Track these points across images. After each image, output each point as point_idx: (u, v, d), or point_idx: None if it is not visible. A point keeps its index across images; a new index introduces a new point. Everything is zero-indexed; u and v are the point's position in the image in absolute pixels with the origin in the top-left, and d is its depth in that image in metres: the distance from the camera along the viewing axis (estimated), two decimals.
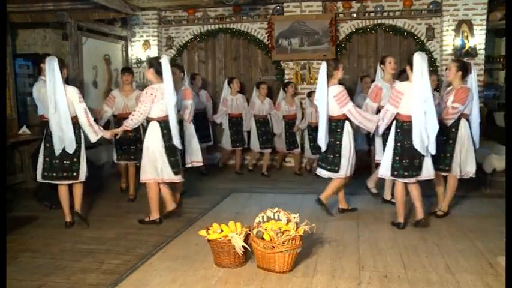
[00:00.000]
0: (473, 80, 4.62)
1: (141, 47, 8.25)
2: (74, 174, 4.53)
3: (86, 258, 3.75)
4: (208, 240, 3.52)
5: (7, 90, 6.21)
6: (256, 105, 7.30)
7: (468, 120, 4.62)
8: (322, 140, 4.67)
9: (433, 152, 4.20)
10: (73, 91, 4.46)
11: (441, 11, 7.35)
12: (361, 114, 4.62)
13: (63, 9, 6.31)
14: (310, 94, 7.12)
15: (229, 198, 5.79)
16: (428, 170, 4.31)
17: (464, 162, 4.66)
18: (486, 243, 3.93)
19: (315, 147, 6.79)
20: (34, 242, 4.20)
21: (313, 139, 6.92)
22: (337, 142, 4.66)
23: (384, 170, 4.41)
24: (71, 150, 4.43)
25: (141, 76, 8.27)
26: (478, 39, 7.19)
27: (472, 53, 7.18)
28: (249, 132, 7.50)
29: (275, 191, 6.28)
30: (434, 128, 4.09)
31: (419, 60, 4.07)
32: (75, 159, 4.51)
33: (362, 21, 7.73)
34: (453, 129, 4.57)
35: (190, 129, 5.37)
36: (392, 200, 4.98)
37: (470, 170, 4.72)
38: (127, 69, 6.25)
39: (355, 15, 7.72)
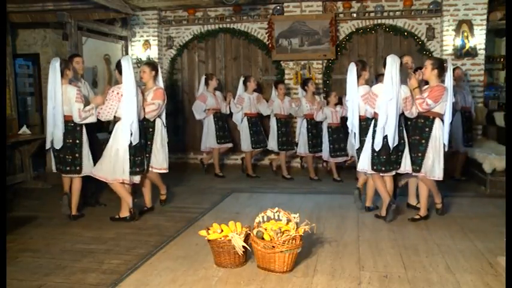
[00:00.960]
0: (449, 79, 4.50)
1: (141, 47, 8.26)
2: (77, 168, 4.77)
3: (86, 258, 3.75)
4: (209, 240, 3.52)
5: (7, 90, 6.23)
6: (275, 104, 7.05)
7: (442, 121, 4.54)
8: (357, 140, 4.89)
9: (391, 144, 4.45)
10: (71, 90, 4.64)
11: (441, 11, 7.35)
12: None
13: (63, 9, 6.32)
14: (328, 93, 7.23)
15: (229, 198, 5.79)
16: (405, 165, 4.60)
17: (432, 165, 4.51)
18: (486, 243, 3.93)
19: (335, 150, 6.76)
20: (34, 242, 4.20)
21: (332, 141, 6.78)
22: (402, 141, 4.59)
23: (364, 165, 4.68)
24: (57, 146, 4.70)
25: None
26: (478, 39, 7.19)
27: (472, 53, 7.19)
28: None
29: (275, 191, 6.28)
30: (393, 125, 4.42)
31: (389, 62, 4.42)
32: (76, 155, 4.76)
33: (362, 21, 7.73)
34: (427, 129, 4.53)
35: (161, 131, 5.13)
36: (418, 206, 4.88)
37: (438, 173, 4.52)
38: (151, 64, 6.05)
39: (355, 15, 7.72)
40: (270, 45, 7.81)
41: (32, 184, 6.51)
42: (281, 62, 7.95)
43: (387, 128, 4.43)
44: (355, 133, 4.90)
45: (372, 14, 7.65)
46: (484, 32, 7.20)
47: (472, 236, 4.15)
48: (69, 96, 4.61)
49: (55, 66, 4.59)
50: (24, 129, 6.36)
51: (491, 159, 5.76)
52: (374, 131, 4.56)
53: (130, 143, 4.59)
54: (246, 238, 3.47)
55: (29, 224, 4.74)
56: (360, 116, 4.86)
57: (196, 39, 8.35)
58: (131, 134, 4.58)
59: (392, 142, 4.44)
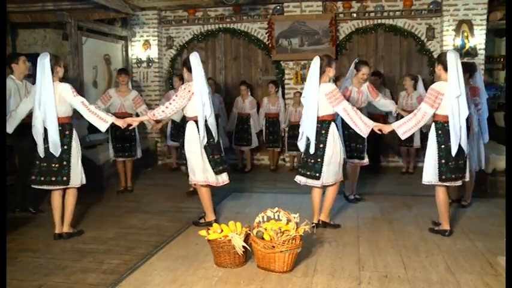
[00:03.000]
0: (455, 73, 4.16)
1: (141, 47, 8.26)
2: (64, 178, 4.13)
3: (86, 258, 3.75)
4: (209, 240, 3.52)
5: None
6: (264, 104, 7.60)
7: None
8: (303, 142, 4.36)
9: (466, 148, 4.09)
10: (65, 88, 4.12)
11: (441, 10, 7.35)
12: (357, 114, 4.22)
13: (63, 9, 6.32)
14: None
15: (229, 198, 5.79)
16: (468, 172, 4.22)
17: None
18: (486, 243, 3.93)
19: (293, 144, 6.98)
20: (34, 242, 4.19)
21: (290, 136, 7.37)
22: (321, 145, 4.23)
23: (430, 176, 4.13)
24: (56, 153, 4.09)
25: (141, 76, 8.30)
26: (478, 39, 7.19)
27: (472, 53, 7.19)
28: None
29: (275, 191, 6.28)
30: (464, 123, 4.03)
31: (454, 59, 3.99)
32: (64, 163, 4.13)
33: (362, 21, 7.73)
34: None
35: None
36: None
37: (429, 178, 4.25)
38: (123, 70, 6.27)
39: (355, 15, 7.73)
40: (270, 45, 7.81)
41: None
42: (281, 62, 7.95)
43: (459, 129, 4.00)
44: (307, 136, 4.30)
45: (372, 14, 7.66)
46: (484, 32, 7.20)
47: (472, 236, 4.15)
48: (64, 95, 4.10)
49: (44, 63, 4.04)
50: None
51: (491, 159, 5.75)
52: (438, 135, 4.06)
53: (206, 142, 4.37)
54: (246, 238, 3.47)
55: (29, 224, 4.74)
56: (318, 116, 4.21)
57: (196, 39, 8.35)
58: (211, 132, 4.41)
59: (465, 145, 4.06)
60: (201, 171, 4.44)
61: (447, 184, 4.13)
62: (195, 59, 4.37)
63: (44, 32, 7.24)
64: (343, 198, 5.44)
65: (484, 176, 5.94)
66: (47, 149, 4.12)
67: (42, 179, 4.14)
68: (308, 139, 4.29)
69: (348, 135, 5.00)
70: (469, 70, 4.77)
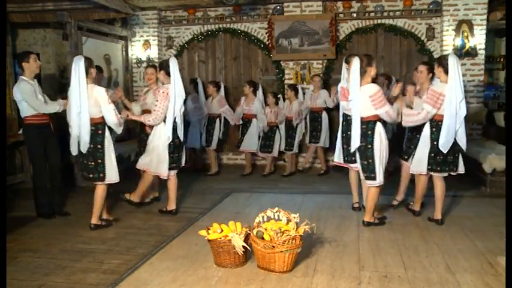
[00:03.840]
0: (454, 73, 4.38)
1: (141, 47, 8.26)
2: (101, 175, 4.44)
3: (86, 258, 3.76)
4: (209, 240, 3.52)
5: (7, 90, 6.21)
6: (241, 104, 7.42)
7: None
8: (357, 143, 4.37)
9: (464, 146, 4.43)
10: (100, 92, 4.31)
11: (441, 10, 7.35)
12: (399, 115, 4.54)
13: (63, 9, 6.31)
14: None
15: (229, 198, 5.79)
16: (462, 166, 4.53)
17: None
18: (486, 243, 3.93)
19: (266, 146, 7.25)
20: (34, 242, 4.20)
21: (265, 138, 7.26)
22: (369, 146, 4.31)
23: (418, 166, 4.54)
24: (84, 149, 4.37)
25: (141, 76, 8.28)
26: (478, 39, 7.19)
27: (472, 53, 7.18)
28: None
29: (275, 191, 6.28)
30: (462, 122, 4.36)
31: (455, 63, 4.23)
32: (99, 161, 4.41)
33: (362, 21, 7.73)
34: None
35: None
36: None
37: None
38: (97, 67, 5.92)
39: (355, 15, 7.72)
40: (270, 45, 7.81)
41: (32, 184, 6.50)
42: (281, 62, 7.94)
43: (453, 128, 4.32)
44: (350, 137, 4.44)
45: (372, 14, 7.65)
46: (484, 32, 7.20)
47: (472, 236, 4.15)
48: (99, 99, 4.29)
49: (79, 66, 4.21)
50: None
51: (491, 159, 5.76)
52: (432, 132, 4.41)
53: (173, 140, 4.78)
54: (246, 238, 3.47)
55: (29, 224, 4.74)
56: (362, 118, 4.31)
57: (196, 39, 8.35)
58: (176, 132, 4.79)
59: (463, 142, 4.40)
60: (157, 163, 4.81)
61: (431, 173, 4.52)
62: (174, 64, 4.70)
63: (44, 32, 7.24)
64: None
65: (483, 176, 5.95)
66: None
67: (86, 174, 4.50)
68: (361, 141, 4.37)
69: (347, 138, 4.84)
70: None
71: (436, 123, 4.39)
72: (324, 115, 7.20)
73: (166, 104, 4.68)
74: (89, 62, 4.31)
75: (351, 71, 4.28)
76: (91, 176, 4.45)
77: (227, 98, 7.89)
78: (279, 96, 7.33)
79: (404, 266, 3.49)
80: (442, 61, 4.34)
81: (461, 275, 3.31)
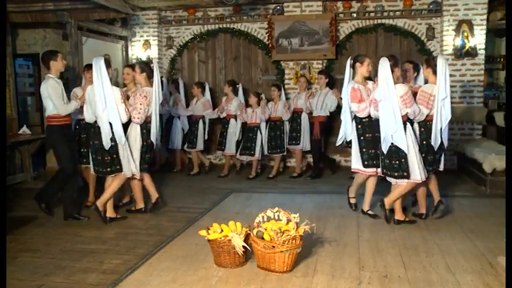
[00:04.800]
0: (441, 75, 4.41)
1: (141, 46, 8.26)
2: (118, 167, 4.67)
3: (86, 258, 3.75)
4: (209, 240, 3.52)
5: (7, 90, 6.23)
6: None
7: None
8: (388, 145, 4.36)
9: (446, 144, 4.59)
10: (117, 92, 4.57)
11: (441, 10, 7.35)
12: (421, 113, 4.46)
13: (64, 9, 6.32)
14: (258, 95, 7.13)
15: (229, 198, 5.79)
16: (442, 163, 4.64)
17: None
18: (486, 243, 3.93)
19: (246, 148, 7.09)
20: (34, 242, 4.20)
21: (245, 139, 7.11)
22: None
23: (417, 174, 4.33)
24: (122, 141, 4.60)
25: None
26: (478, 39, 7.19)
27: (472, 53, 7.19)
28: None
29: (275, 191, 6.27)
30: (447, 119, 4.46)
31: (443, 64, 4.31)
32: (114, 156, 4.62)
33: (362, 21, 7.73)
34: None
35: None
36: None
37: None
38: (90, 66, 5.37)
39: (355, 15, 7.72)
40: (270, 45, 7.81)
41: (32, 184, 6.51)
42: (281, 62, 7.95)
43: (444, 125, 4.43)
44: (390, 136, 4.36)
45: (372, 14, 7.65)
46: (484, 32, 7.20)
47: (472, 236, 4.15)
48: (116, 97, 4.54)
49: (100, 66, 4.46)
50: (24, 129, 6.35)
51: (491, 159, 5.76)
52: (421, 132, 4.45)
53: (145, 141, 4.87)
54: (246, 238, 3.47)
55: (29, 224, 4.74)
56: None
57: (196, 39, 8.35)
58: (150, 134, 4.88)
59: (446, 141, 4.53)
60: (129, 164, 4.80)
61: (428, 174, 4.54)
62: (157, 68, 4.90)
63: (44, 32, 7.24)
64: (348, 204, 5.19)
65: (483, 176, 5.95)
66: (99, 144, 4.58)
67: (101, 169, 4.66)
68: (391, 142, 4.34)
69: (365, 141, 4.76)
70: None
71: (424, 123, 4.44)
72: (304, 115, 7.11)
73: (146, 107, 4.77)
74: (107, 63, 4.57)
75: (380, 72, 4.36)
76: (108, 170, 4.65)
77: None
78: (261, 96, 7.15)
79: (405, 266, 3.48)
80: (431, 62, 4.42)
81: (461, 275, 3.31)
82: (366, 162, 4.79)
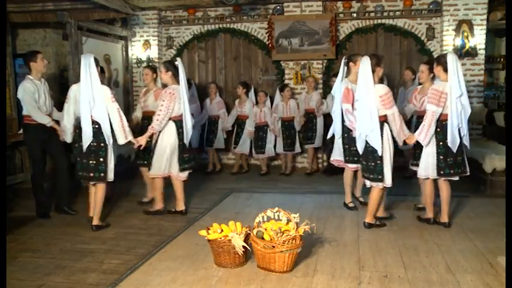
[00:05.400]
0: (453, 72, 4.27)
1: (141, 46, 8.26)
2: (102, 175, 4.41)
3: (86, 258, 3.76)
4: (209, 240, 3.52)
5: (7, 90, 6.22)
6: (280, 108, 7.27)
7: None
8: (361, 145, 4.36)
9: (468, 144, 4.34)
10: (107, 91, 4.35)
11: (441, 10, 7.35)
12: (401, 122, 4.30)
13: (64, 9, 6.31)
14: (283, 88, 7.32)
15: (229, 198, 5.79)
16: (467, 167, 4.41)
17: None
18: (486, 243, 3.93)
19: (258, 147, 7.37)
20: (34, 242, 4.20)
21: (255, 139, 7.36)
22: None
23: (426, 170, 4.36)
24: (86, 145, 4.33)
25: (141, 76, 8.27)
26: (478, 39, 7.19)
27: (472, 52, 7.18)
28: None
29: (275, 191, 6.28)
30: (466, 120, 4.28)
31: (454, 60, 4.18)
32: (101, 159, 4.39)
33: (362, 21, 7.73)
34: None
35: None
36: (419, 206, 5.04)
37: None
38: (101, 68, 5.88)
39: (355, 15, 7.72)
40: (270, 45, 7.81)
41: (31, 184, 6.50)
42: (281, 62, 7.94)
43: (457, 127, 4.22)
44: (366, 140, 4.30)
45: (372, 14, 7.65)
46: (484, 31, 7.20)
47: (472, 236, 4.15)
48: (104, 97, 4.31)
49: (90, 63, 4.26)
50: None
51: (491, 159, 5.76)
52: (437, 132, 4.26)
53: (181, 141, 4.82)
54: (246, 238, 3.47)
55: (29, 224, 4.74)
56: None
57: (196, 39, 8.35)
58: (182, 133, 4.81)
59: (467, 142, 4.32)
60: (167, 164, 4.82)
61: (443, 178, 4.36)
62: (182, 66, 4.79)
63: (44, 32, 7.23)
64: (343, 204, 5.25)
65: (483, 176, 5.95)
66: (81, 146, 4.36)
67: (85, 174, 4.41)
68: (367, 142, 4.29)
69: (348, 138, 4.90)
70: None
71: (440, 123, 4.26)
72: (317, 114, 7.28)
73: (172, 105, 4.69)
74: (96, 62, 4.36)
75: (361, 71, 4.24)
76: (91, 175, 4.40)
77: (226, 98, 7.89)
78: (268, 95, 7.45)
79: (405, 266, 3.49)
80: (441, 59, 4.29)
81: (461, 275, 3.31)
82: (347, 158, 4.97)
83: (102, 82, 4.94)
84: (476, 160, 6.05)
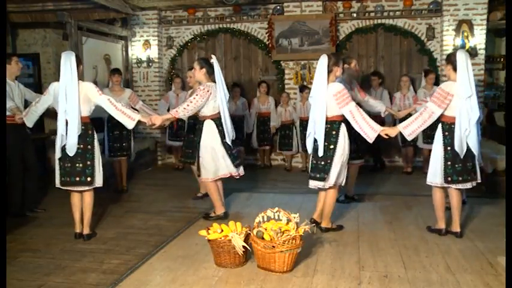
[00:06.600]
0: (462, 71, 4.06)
1: (141, 46, 8.26)
2: (89, 179, 4.11)
3: (86, 258, 3.75)
4: (209, 240, 3.52)
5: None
6: (298, 108, 7.52)
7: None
8: (312, 144, 4.25)
9: (475, 151, 4.01)
10: (90, 87, 4.11)
11: (441, 10, 7.35)
12: (363, 116, 4.05)
13: (64, 9, 6.32)
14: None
15: (229, 198, 5.78)
16: (479, 173, 4.13)
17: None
18: (486, 243, 3.93)
19: (283, 144, 7.60)
20: (34, 242, 4.19)
21: (281, 136, 7.65)
22: (331, 146, 4.12)
23: (434, 176, 4.09)
24: (71, 152, 4.03)
25: (141, 76, 8.30)
26: (478, 39, 7.19)
27: (473, 52, 7.18)
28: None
29: (275, 190, 6.27)
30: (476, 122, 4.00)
31: (464, 58, 3.96)
32: (88, 163, 4.10)
33: (362, 21, 7.73)
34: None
35: None
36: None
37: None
38: (116, 70, 6.20)
39: (355, 15, 7.72)
40: (270, 45, 7.81)
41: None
42: (281, 62, 7.95)
43: (466, 131, 3.94)
44: (315, 138, 4.20)
45: (372, 14, 7.65)
46: (484, 31, 7.20)
47: (472, 236, 4.15)
48: (90, 94, 4.07)
49: (71, 61, 4.01)
50: None
51: (491, 159, 5.76)
52: (445, 136, 4.02)
53: (223, 139, 4.71)
54: (246, 238, 3.47)
55: (29, 224, 4.74)
56: (327, 117, 4.11)
57: (196, 39, 8.35)
58: (224, 131, 4.70)
59: (475, 147, 4.00)
60: (220, 165, 4.73)
61: (453, 186, 4.07)
62: (217, 63, 4.70)
63: (44, 32, 7.24)
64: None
65: (484, 176, 5.95)
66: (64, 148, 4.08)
67: (68, 179, 4.11)
68: (316, 141, 4.19)
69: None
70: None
71: (448, 127, 4.00)
72: None
73: (204, 101, 4.55)
74: (78, 59, 4.13)
75: (317, 69, 4.14)
76: (77, 179, 4.08)
77: None
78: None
79: (405, 266, 3.48)
80: (451, 58, 4.04)
81: (461, 275, 3.31)
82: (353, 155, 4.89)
83: (119, 84, 5.12)
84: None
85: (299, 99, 7.41)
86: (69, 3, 6.23)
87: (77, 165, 4.08)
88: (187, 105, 4.49)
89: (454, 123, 3.97)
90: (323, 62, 4.08)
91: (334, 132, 4.12)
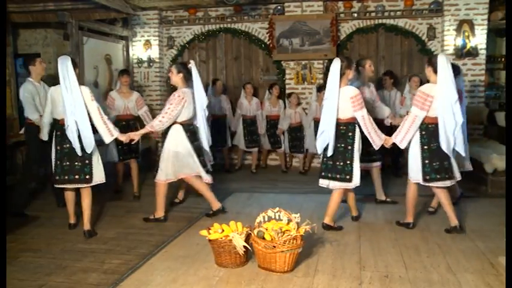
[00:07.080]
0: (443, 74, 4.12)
1: (142, 47, 8.26)
2: (87, 177, 4.22)
3: (87, 258, 3.76)
4: (209, 240, 3.52)
5: (8, 90, 6.22)
6: (243, 106, 7.55)
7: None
8: (323, 145, 4.30)
9: (462, 152, 4.17)
10: (85, 91, 4.21)
11: (442, 10, 7.34)
12: (373, 124, 4.23)
13: (64, 9, 6.32)
14: (290, 95, 7.49)
15: (230, 198, 5.79)
16: (458, 172, 4.25)
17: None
18: (487, 243, 3.93)
19: (294, 146, 7.47)
20: (35, 242, 4.20)
21: (292, 139, 7.48)
22: (349, 147, 4.21)
23: (416, 174, 4.21)
24: (89, 149, 4.17)
25: (142, 76, 8.31)
26: (479, 39, 7.18)
27: (473, 52, 7.18)
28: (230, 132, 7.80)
29: (276, 190, 6.27)
30: (461, 124, 4.07)
31: (444, 62, 4.04)
32: (86, 161, 4.22)
33: (363, 21, 7.73)
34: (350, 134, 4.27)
35: None
36: (388, 200, 5.31)
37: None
38: (125, 71, 6.18)
39: (356, 15, 7.72)
40: (270, 45, 7.81)
41: (33, 184, 6.50)
42: (282, 62, 7.95)
43: (452, 132, 4.04)
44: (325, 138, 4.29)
45: (373, 14, 7.65)
46: (485, 31, 7.19)
47: (473, 236, 4.15)
48: (85, 97, 4.17)
49: (67, 65, 4.08)
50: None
51: (492, 159, 5.75)
52: (422, 136, 4.12)
53: (192, 143, 4.71)
54: (247, 238, 3.47)
55: (29, 223, 4.75)
56: (343, 119, 4.22)
57: (197, 39, 8.35)
58: (194, 135, 4.78)
59: (461, 147, 4.12)
60: (184, 165, 4.71)
61: (433, 185, 4.19)
62: (195, 68, 4.77)
63: (45, 32, 7.25)
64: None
65: (484, 176, 5.95)
66: (70, 148, 4.20)
67: (66, 177, 4.22)
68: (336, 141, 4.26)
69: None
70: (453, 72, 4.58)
71: (426, 127, 4.12)
72: None
73: (179, 110, 4.54)
74: (74, 63, 4.20)
75: (331, 72, 4.21)
76: (76, 177, 4.19)
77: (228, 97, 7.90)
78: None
79: (405, 266, 3.48)
80: (432, 60, 4.15)
81: (462, 275, 3.31)
82: (364, 158, 4.79)
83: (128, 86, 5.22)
84: (477, 160, 6.05)
85: (314, 98, 7.21)
86: (70, 4, 6.23)
87: (76, 163, 4.20)
88: (163, 117, 4.52)
89: (433, 124, 4.09)
90: (336, 65, 4.17)
91: (350, 134, 4.23)
